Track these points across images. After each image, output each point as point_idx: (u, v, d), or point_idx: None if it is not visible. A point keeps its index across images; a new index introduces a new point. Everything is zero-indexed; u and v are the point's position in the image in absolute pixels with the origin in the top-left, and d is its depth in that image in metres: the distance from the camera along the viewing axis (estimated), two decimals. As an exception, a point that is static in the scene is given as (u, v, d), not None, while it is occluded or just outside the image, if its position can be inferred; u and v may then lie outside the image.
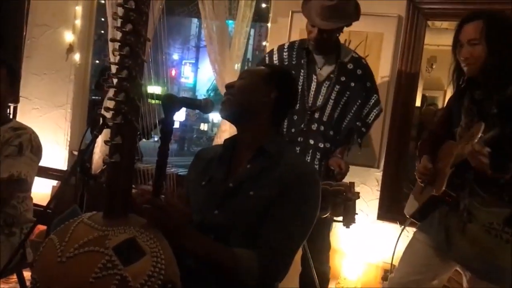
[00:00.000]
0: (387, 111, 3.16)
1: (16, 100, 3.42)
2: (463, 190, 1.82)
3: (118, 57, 1.21)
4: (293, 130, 2.51)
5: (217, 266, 1.31)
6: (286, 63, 2.56)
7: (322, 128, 2.49)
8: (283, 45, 2.65)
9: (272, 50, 2.68)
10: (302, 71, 2.52)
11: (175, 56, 15.50)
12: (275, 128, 1.58)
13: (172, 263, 1.14)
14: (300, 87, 2.48)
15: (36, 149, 2.16)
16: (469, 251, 1.81)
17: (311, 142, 2.48)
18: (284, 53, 2.60)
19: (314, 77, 2.51)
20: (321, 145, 2.48)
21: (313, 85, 2.51)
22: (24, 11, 3.64)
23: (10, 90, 2.18)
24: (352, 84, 2.50)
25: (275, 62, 2.59)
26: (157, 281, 1.08)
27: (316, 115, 2.49)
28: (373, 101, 2.54)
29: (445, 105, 5.41)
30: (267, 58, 2.65)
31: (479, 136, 1.67)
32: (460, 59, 1.84)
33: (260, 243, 1.37)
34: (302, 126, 2.49)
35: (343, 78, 2.49)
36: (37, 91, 4.07)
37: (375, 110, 2.55)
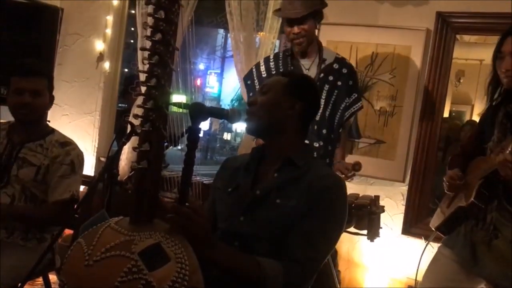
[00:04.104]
0: (414, 125, 3.13)
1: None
2: (491, 203, 1.79)
3: (147, 66, 1.24)
4: None
5: (242, 275, 1.31)
6: (274, 72, 2.61)
7: (315, 127, 2.53)
8: (269, 56, 2.75)
9: (259, 62, 2.77)
10: None
11: (201, 66, 15.64)
12: (301, 136, 1.58)
13: (196, 270, 1.15)
14: None
15: (82, 163, 2.21)
16: (495, 267, 1.78)
17: (306, 142, 2.50)
18: (271, 63, 2.68)
19: None
20: (316, 144, 2.52)
21: None
22: (58, 20, 3.73)
23: (49, 100, 2.21)
24: (339, 83, 2.57)
25: (262, 73, 2.67)
26: (181, 287, 1.09)
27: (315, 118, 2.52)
28: (352, 98, 2.60)
29: (468, 119, 5.31)
30: (254, 70, 2.73)
31: (510, 147, 1.64)
32: (500, 70, 1.82)
33: (286, 255, 1.37)
34: None
35: (330, 78, 2.56)
36: (67, 98, 4.17)
37: (353, 107, 2.61)
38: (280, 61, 2.64)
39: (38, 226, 2.12)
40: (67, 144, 2.18)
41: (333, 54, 2.64)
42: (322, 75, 2.55)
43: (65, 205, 2.10)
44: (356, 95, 2.62)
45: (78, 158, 2.17)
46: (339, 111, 2.58)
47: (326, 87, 2.55)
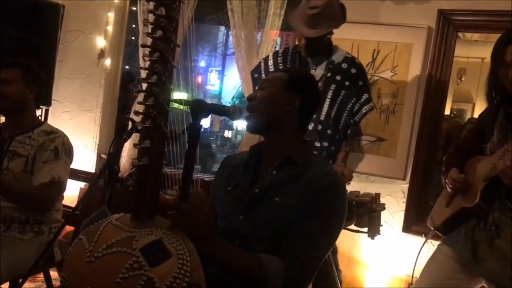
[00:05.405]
0: (415, 123, 3.13)
1: (48, 103, 3.52)
2: (493, 203, 1.79)
3: (148, 63, 1.23)
4: None
5: (243, 273, 1.31)
6: (281, 67, 2.60)
7: (319, 127, 2.51)
8: (278, 51, 2.72)
9: (267, 56, 2.74)
10: None
11: (202, 63, 15.64)
12: (300, 133, 1.58)
13: (197, 266, 1.15)
14: None
15: (68, 151, 2.23)
16: (497, 266, 1.78)
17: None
18: (279, 58, 2.65)
19: None
20: (317, 144, 2.50)
21: None
22: (59, 17, 3.73)
23: (27, 91, 2.21)
24: (347, 83, 2.53)
25: (270, 67, 2.65)
26: (182, 283, 1.09)
27: (314, 115, 2.51)
28: (363, 99, 2.56)
29: (470, 117, 5.29)
30: (262, 65, 2.71)
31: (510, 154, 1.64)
32: (506, 79, 1.78)
33: (287, 252, 1.37)
34: None
35: (338, 77, 2.53)
36: (68, 95, 4.18)
37: (364, 109, 2.57)
38: (289, 57, 2.61)
39: (21, 205, 2.12)
40: (53, 133, 2.22)
41: (343, 53, 2.59)
42: (329, 74, 2.52)
43: (45, 189, 2.10)
44: (366, 96, 2.57)
45: (63, 145, 2.19)
46: (345, 112, 2.54)
47: (333, 86, 2.52)
